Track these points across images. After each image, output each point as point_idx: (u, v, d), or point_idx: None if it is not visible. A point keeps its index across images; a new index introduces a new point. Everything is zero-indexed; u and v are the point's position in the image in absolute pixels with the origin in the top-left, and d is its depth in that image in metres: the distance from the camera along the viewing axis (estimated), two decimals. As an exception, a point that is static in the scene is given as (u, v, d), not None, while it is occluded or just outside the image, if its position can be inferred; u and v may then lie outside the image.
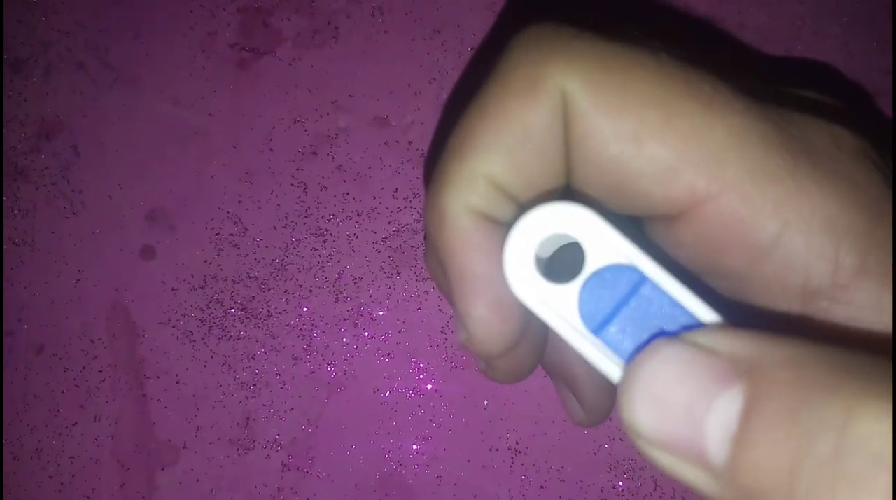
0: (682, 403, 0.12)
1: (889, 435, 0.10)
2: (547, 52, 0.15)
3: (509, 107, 0.15)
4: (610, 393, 0.21)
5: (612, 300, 0.15)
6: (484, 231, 0.16)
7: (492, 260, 0.16)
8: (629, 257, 0.15)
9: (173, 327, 0.28)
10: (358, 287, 0.28)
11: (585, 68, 0.15)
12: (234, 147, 0.28)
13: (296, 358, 0.27)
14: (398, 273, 0.28)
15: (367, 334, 0.27)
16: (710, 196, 0.14)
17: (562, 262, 0.17)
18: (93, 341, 0.28)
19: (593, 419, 0.21)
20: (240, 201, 0.28)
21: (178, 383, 0.27)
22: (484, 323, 0.16)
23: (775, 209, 0.14)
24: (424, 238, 0.21)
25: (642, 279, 0.15)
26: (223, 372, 0.27)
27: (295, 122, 0.28)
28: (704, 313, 0.14)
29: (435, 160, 0.26)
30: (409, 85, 0.28)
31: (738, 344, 0.12)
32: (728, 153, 0.14)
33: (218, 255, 0.28)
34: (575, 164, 0.16)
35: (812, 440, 0.10)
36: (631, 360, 0.14)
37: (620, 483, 0.27)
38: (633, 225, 0.17)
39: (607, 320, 0.15)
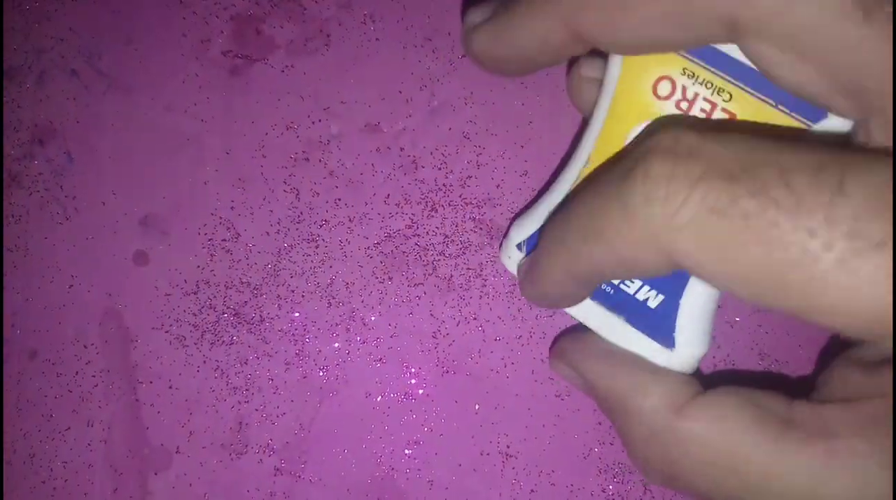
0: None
1: None
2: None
3: None
4: None
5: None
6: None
7: None
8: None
9: (166, 332, 0.28)
10: (350, 292, 0.28)
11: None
12: (227, 153, 0.29)
13: (288, 363, 0.28)
14: (390, 279, 0.28)
15: (358, 339, 0.28)
16: None
17: None
18: (86, 347, 0.28)
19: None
20: (232, 207, 0.28)
21: (170, 388, 0.28)
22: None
23: None
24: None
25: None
26: (216, 377, 0.28)
27: (287, 128, 0.29)
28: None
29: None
30: (400, 92, 0.29)
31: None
32: None
33: (210, 260, 0.28)
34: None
35: None
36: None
37: (610, 487, 0.27)
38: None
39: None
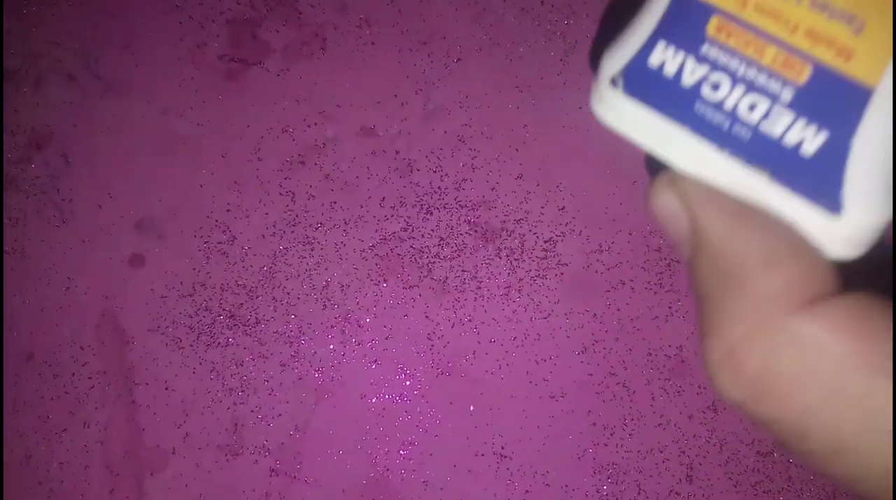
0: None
1: None
2: None
3: None
4: None
5: None
6: None
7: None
8: None
9: (162, 334, 0.28)
10: (345, 295, 0.28)
11: None
12: (223, 157, 0.29)
13: (283, 365, 0.28)
14: (385, 281, 0.28)
15: (354, 340, 0.28)
16: None
17: None
18: (82, 348, 0.28)
19: None
20: (228, 210, 0.28)
21: (166, 389, 0.28)
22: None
23: None
24: None
25: None
26: (211, 379, 0.28)
27: (283, 132, 0.29)
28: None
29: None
30: (395, 95, 0.29)
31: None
32: None
33: (206, 263, 0.28)
34: None
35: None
36: None
37: (605, 487, 0.27)
38: None
39: None
